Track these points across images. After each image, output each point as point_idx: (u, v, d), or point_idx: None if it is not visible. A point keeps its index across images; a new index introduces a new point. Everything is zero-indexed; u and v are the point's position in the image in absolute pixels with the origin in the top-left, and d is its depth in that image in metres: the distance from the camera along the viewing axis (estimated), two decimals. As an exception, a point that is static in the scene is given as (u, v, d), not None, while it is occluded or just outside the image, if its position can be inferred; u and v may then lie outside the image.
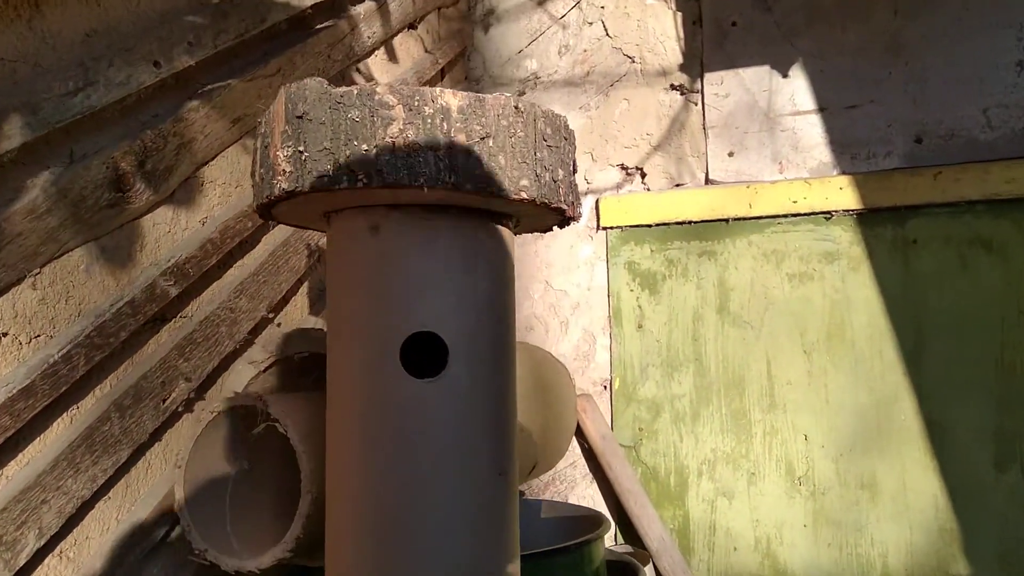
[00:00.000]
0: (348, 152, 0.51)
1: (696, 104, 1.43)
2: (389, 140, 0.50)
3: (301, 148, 0.51)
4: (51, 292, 0.68)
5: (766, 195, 1.33)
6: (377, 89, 0.51)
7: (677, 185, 1.42)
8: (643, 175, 1.45)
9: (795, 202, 1.31)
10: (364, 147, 0.50)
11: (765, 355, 1.33)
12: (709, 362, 1.36)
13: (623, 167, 1.46)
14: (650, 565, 1.25)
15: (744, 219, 1.34)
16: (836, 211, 1.30)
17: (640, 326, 1.40)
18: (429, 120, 0.51)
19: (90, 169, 0.71)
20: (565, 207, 0.58)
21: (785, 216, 1.33)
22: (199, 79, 0.85)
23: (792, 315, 1.32)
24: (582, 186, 1.45)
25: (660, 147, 1.44)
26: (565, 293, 1.47)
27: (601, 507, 1.43)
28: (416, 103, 0.51)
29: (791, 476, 1.32)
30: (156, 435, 0.76)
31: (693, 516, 1.36)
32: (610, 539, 1.43)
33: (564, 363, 1.43)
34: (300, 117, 0.52)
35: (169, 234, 0.81)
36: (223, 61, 0.88)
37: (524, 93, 1.55)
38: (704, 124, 1.41)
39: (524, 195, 0.54)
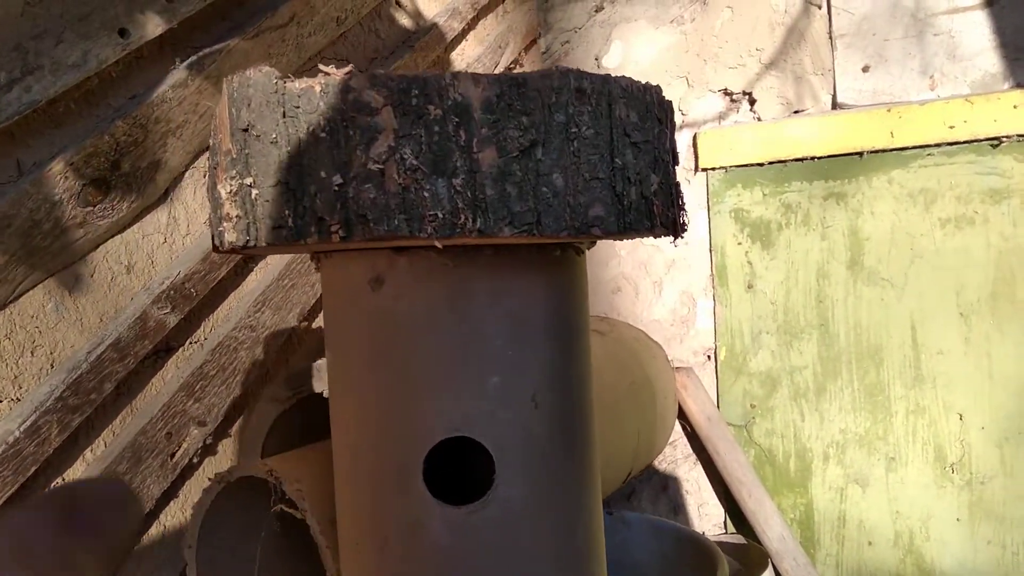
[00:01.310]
0: (314, 188, 0.32)
1: (820, 7, 1.14)
2: (374, 167, 0.32)
3: (249, 181, 0.33)
4: (9, 345, 0.54)
5: (913, 119, 1.05)
6: (353, 82, 0.31)
7: (796, 112, 1.16)
8: (752, 101, 1.19)
9: (952, 127, 1.03)
10: (336, 180, 0.32)
11: (909, 319, 1.09)
12: (838, 328, 1.13)
13: (727, 92, 1.20)
14: (769, 569, 1.08)
15: (883, 151, 1.08)
16: (1007, 136, 1.01)
17: (750, 286, 1.18)
18: (437, 128, 0.31)
19: (43, 184, 0.55)
20: (663, 229, 0.38)
21: (938, 146, 1.05)
22: (184, 44, 0.67)
23: (945, 270, 1.07)
24: (676, 118, 1.21)
25: (773, 65, 1.17)
26: (658, 248, 1.26)
27: (707, 492, 1.25)
28: (415, 101, 0.31)
29: (941, 462, 1.10)
30: (169, 495, 0.63)
31: (818, 505, 1.17)
32: (719, 527, 1.26)
33: (659, 329, 1.24)
34: (246, 130, 0.33)
35: (166, 245, 0.66)
36: (215, 16, 0.70)
37: (602, 8, 1.30)
38: (830, 32, 1.13)
39: (597, 230, 0.35)
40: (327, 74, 0.32)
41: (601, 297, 1.28)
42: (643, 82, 0.38)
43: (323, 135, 0.32)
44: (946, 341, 1.07)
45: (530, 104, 0.33)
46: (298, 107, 0.32)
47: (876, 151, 1.08)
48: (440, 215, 0.32)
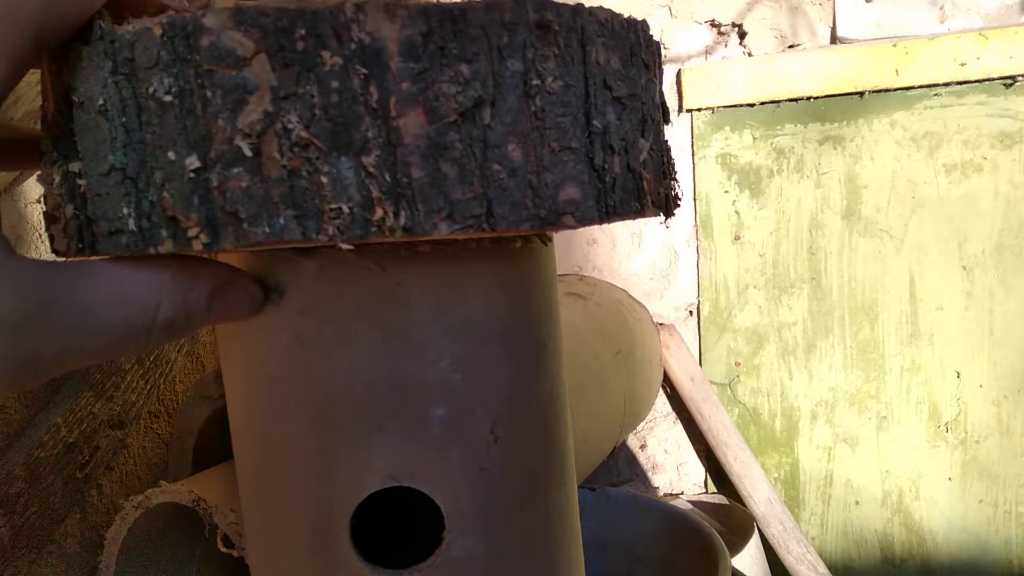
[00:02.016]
0: (160, 176, 0.22)
1: (818, -74, 1.02)
2: (245, 143, 0.22)
3: (75, 167, 0.24)
4: None
5: (920, 56, 0.95)
6: (208, 20, 0.21)
7: (790, 47, 1.05)
8: (742, 34, 1.08)
9: (963, 64, 0.94)
10: (192, 163, 0.22)
11: (908, 272, 1.02)
12: (831, 282, 1.06)
13: (714, 24, 1.09)
14: (755, 533, 1.03)
15: (887, 91, 0.98)
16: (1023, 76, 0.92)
17: (738, 237, 1.09)
18: (336, 84, 0.22)
19: None
20: (653, 210, 0.29)
21: (946, 85, 0.96)
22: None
23: (948, 220, 0.99)
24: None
25: (765, -8, 1.06)
26: (639, 196, 1.16)
27: (687, 452, 1.20)
28: (301, 46, 0.21)
29: (935, 421, 1.04)
30: (80, 510, 0.54)
31: (804, 465, 1.12)
32: (699, 487, 1.21)
33: (638, 283, 1.15)
34: (67, 96, 0.23)
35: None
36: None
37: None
38: (829, -45, 1.02)
39: (570, 219, 0.25)
40: (175, 11, 0.22)
41: (576, 248, 1.19)
42: (624, 15, 0.28)
43: (169, 99, 0.22)
44: (946, 296, 1.01)
45: (472, 47, 0.23)
46: (132, 60, 0.22)
47: (878, 91, 0.98)
48: (346, 209, 0.22)
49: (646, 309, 1.00)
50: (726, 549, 0.71)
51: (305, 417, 0.30)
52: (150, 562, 0.50)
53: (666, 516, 0.80)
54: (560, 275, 0.98)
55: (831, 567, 1.06)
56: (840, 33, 1.01)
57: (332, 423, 0.29)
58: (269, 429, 0.30)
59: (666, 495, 1.21)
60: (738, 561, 0.97)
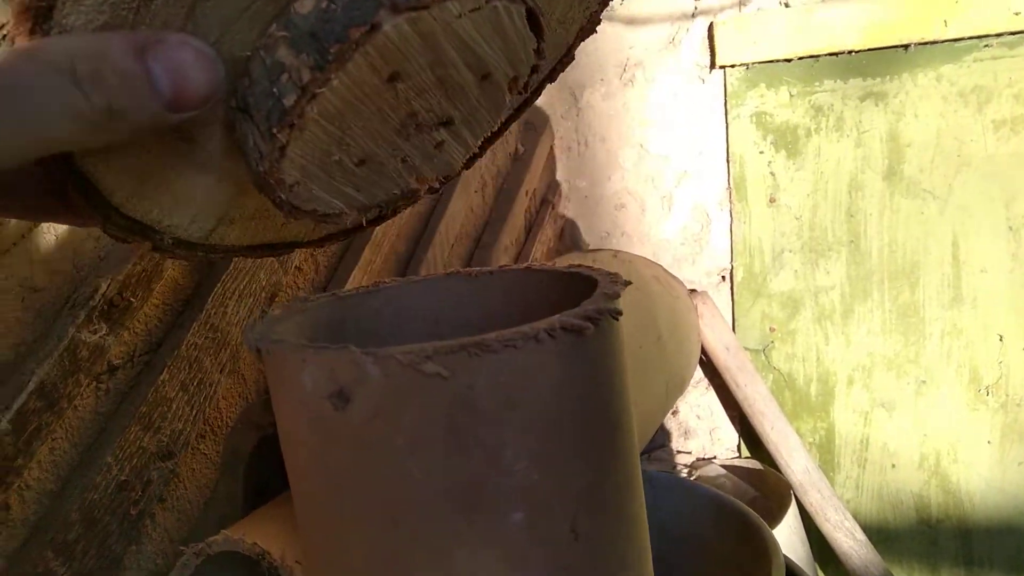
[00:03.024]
0: None
1: None
2: None
3: None
4: None
5: (972, 4, 0.89)
6: None
7: (830, -3, 0.99)
8: (778, -16, 1.01)
9: (1017, 13, 0.88)
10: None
11: (951, 234, 0.98)
12: (870, 245, 1.03)
13: (747, -27, 1.03)
14: (792, 501, 1.03)
15: (933, 43, 0.93)
16: (1083, 21, 0.87)
17: (773, 200, 1.06)
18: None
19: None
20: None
21: (999, 35, 0.90)
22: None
23: (995, 178, 0.95)
24: (688, 3, 1.04)
25: (803, -62, 0.99)
26: (667, 159, 1.12)
27: (720, 417, 1.19)
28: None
29: (976, 384, 1.03)
30: (135, 549, 0.54)
31: (840, 429, 1.11)
32: (732, 451, 1.21)
33: (668, 248, 1.13)
34: None
35: (90, 240, 0.53)
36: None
37: None
38: None
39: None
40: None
41: (603, 214, 1.16)
42: None
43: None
44: (991, 258, 0.97)
45: None
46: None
47: (925, 43, 0.93)
48: None
49: (682, 284, 0.98)
50: (777, 541, 0.70)
51: (378, 524, 0.28)
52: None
53: (712, 501, 0.79)
54: (593, 250, 0.96)
55: (866, 529, 1.07)
56: (885, -18, 0.95)
57: (407, 530, 0.28)
58: (340, 531, 0.29)
59: (699, 459, 1.22)
60: (777, 531, 0.97)
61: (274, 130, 0.27)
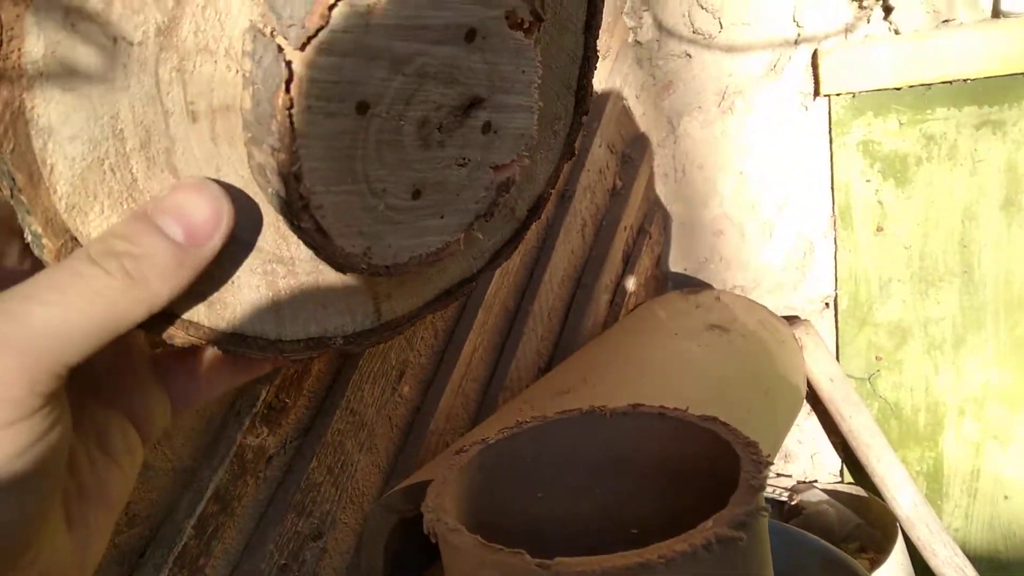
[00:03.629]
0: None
1: None
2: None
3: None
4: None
5: (1103, 31, 0.84)
6: None
7: (944, 22, 0.95)
8: (887, 9, 0.98)
9: None
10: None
11: (1075, 267, 0.94)
12: (984, 276, 0.99)
13: (854, -2, 1.00)
14: (899, 535, 1.03)
15: (1059, 72, 0.88)
16: None
17: (880, 228, 1.04)
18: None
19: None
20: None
21: None
22: None
23: None
24: (790, 31, 1.02)
25: (915, -40, 0.95)
26: (767, 186, 1.11)
27: (822, 441, 1.19)
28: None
29: (1099, 419, 0.99)
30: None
31: (949, 460, 1.09)
32: (835, 476, 1.21)
33: (769, 274, 1.12)
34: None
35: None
36: None
37: None
38: (995, -86, 0.90)
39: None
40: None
41: (701, 240, 1.16)
42: None
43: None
44: (1120, 292, 0.93)
45: None
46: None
47: (1049, 71, 0.88)
48: None
49: (786, 324, 0.98)
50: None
51: None
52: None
53: (819, 553, 0.81)
54: (694, 291, 0.96)
55: (974, 559, 1.05)
56: (1004, 7, 0.90)
57: None
58: None
59: (800, 483, 1.21)
60: (884, 566, 0.97)
61: (301, 223, 0.26)
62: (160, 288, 0.25)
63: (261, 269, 0.29)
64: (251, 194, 0.28)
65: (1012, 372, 1.01)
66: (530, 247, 0.88)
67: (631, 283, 1.05)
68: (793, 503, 1.22)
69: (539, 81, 0.31)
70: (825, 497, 1.19)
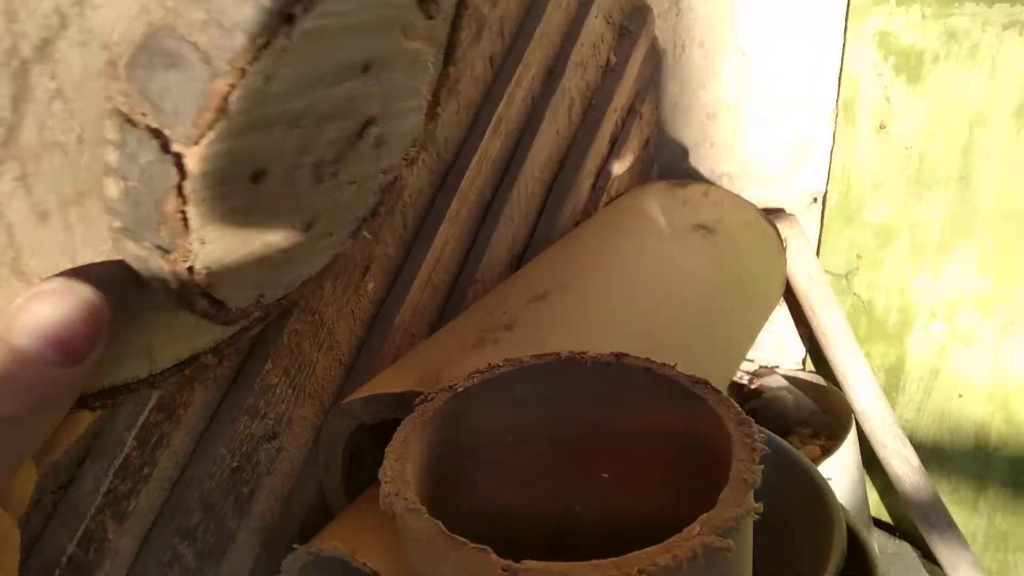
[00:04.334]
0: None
1: None
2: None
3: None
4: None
5: None
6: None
7: None
8: None
9: None
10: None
11: (1077, 182, 0.91)
12: (981, 183, 0.95)
13: None
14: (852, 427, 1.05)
15: (1107, -33, 0.80)
16: None
17: (883, 126, 0.98)
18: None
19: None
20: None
21: None
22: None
23: None
24: None
25: None
26: (771, 71, 1.03)
27: (788, 329, 1.19)
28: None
29: (1066, 333, 0.99)
30: (244, 515, 0.58)
31: (912, 358, 1.10)
32: (798, 364, 1.22)
33: (760, 164, 1.07)
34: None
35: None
36: None
37: None
38: None
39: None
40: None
41: (693, 123, 1.09)
42: None
43: None
44: (1116, 211, 0.90)
45: None
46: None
47: (1098, -35, 0.80)
48: None
49: (775, 227, 0.94)
50: (841, 506, 0.73)
51: None
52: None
53: (777, 452, 0.82)
54: (681, 183, 0.91)
55: (920, 449, 1.09)
56: None
57: None
58: None
59: (762, 367, 1.23)
60: (836, 454, 1.00)
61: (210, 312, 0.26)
62: (35, 429, 0.19)
63: (134, 323, 0.27)
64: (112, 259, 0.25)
65: (991, 280, 1.00)
66: (512, 129, 0.81)
67: (617, 167, 0.99)
68: (753, 387, 1.24)
69: (431, 76, 0.29)
70: (785, 384, 1.21)
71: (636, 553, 0.27)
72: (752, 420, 0.34)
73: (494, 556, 0.27)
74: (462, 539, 0.28)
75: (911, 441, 1.08)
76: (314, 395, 0.63)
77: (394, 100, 0.29)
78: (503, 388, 0.39)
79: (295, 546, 0.51)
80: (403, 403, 0.53)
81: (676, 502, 0.38)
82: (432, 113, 0.34)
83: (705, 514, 0.28)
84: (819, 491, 0.76)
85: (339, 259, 0.33)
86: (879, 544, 1.12)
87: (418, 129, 0.32)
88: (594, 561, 0.27)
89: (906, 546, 1.12)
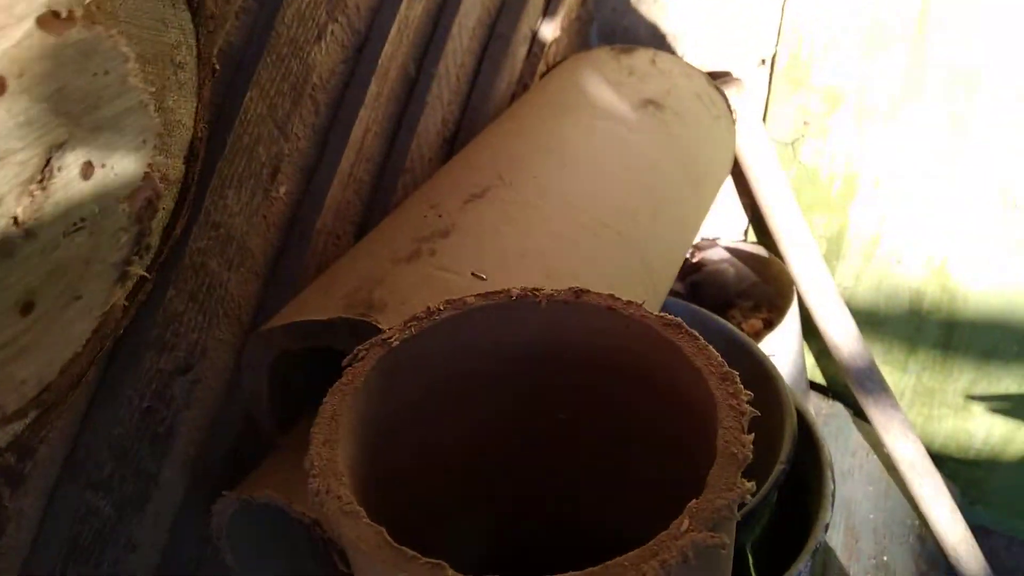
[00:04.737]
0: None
1: None
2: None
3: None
4: None
5: None
6: None
7: None
8: None
9: None
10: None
11: (1032, 40, 0.86)
12: (933, 44, 0.90)
13: None
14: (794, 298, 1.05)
15: None
16: None
17: (838, -21, 0.90)
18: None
19: None
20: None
21: None
22: None
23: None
24: None
25: None
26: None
27: (731, 199, 1.15)
28: None
29: (1011, 201, 0.98)
30: (164, 455, 0.53)
31: (853, 226, 1.09)
32: (739, 235, 1.20)
33: (706, 26, 0.99)
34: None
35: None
36: None
37: None
38: None
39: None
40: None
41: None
42: None
43: None
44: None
45: None
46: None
47: None
48: None
49: (721, 95, 0.87)
50: (787, 385, 0.73)
51: None
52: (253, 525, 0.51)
53: (724, 337, 0.80)
54: (624, 48, 0.83)
55: (856, 314, 1.11)
56: None
57: None
58: None
59: (703, 239, 1.21)
60: (780, 327, 1.00)
61: None
62: None
63: None
64: None
65: (940, 148, 0.97)
66: (435, -9, 0.71)
67: (551, 28, 0.90)
68: (695, 260, 1.22)
69: (139, 69, 0.24)
70: (727, 256, 1.20)
71: (617, 560, 0.23)
72: (736, 375, 0.29)
73: (451, 572, 0.23)
74: (412, 552, 0.24)
75: (848, 307, 1.09)
76: (230, 316, 0.57)
77: (89, 109, 0.24)
78: (445, 336, 0.33)
79: (224, 493, 0.47)
80: (331, 331, 0.47)
81: (636, 438, 0.35)
82: (207, 73, 0.31)
83: (693, 503, 0.24)
84: (770, 378, 0.76)
85: (112, 315, 0.28)
86: (814, 406, 1.16)
87: (153, 125, 0.27)
88: (571, 573, 0.23)
89: (839, 406, 1.17)
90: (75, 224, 0.24)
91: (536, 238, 0.54)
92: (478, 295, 0.33)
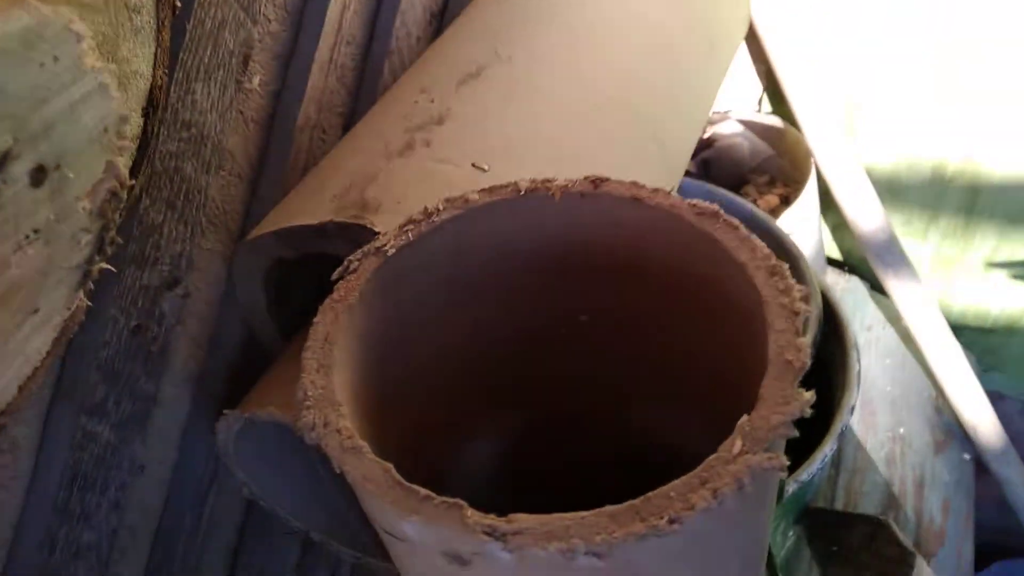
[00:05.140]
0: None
1: None
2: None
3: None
4: None
5: None
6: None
7: None
8: None
9: None
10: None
11: None
12: None
13: None
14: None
15: None
16: None
17: None
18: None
19: None
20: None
21: None
22: None
23: None
24: None
25: None
26: None
27: (744, 70, 1.08)
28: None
29: None
30: (161, 373, 0.50)
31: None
32: (752, 105, 1.13)
33: None
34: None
35: None
36: None
37: None
38: None
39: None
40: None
41: None
42: None
43: None
44: None
45: None
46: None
47: None
48: None
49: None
50: (809, 266, 0.69)
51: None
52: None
53: (743, 217, 0.75)
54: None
55: (876, 183, 1.06)
56: None
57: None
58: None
59: (715, 113, 1.14)
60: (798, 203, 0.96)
61: None
62: None
63: None
64: None
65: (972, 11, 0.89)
66: None
67: None
68: (706, 135, 1.16)
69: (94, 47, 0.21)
70: (740, 129, 1.13)
71: (662, 490, 0.20)
72: (787, 268, 0.25)
73: (471, 512, 0.20)
74: (425, 491, 0.21)
75: (870, 176, 1.04)
76: (216, 223, 0.52)
77: (39, 103, 0.21)
78: (447, 240, 0.29)
79: (225, 412, 0.44)
80: (322, 236, 0.43)
81: (680, 348, 0.31)
82: (168, 9, 0.28)
83: (745, 419, 0.21)
84: (792, 258, 0.72)
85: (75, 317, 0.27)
86: (831, 281, 1.13)
87: (114, 113, 0.24)
88: (608, 508, 0.20)
89: (855, 280, 1.14)
90: (26, 236, 0.22)
91: (542, 120, 0.49)
92: (481, 191, 0.29)
